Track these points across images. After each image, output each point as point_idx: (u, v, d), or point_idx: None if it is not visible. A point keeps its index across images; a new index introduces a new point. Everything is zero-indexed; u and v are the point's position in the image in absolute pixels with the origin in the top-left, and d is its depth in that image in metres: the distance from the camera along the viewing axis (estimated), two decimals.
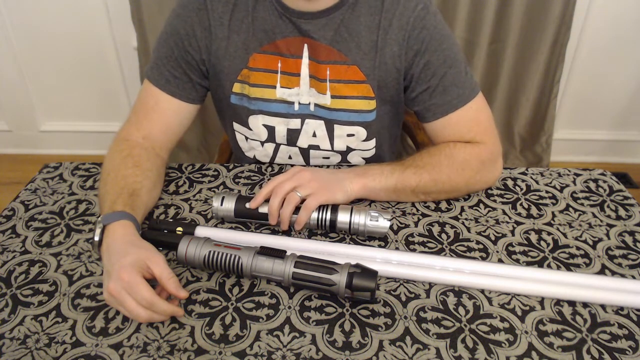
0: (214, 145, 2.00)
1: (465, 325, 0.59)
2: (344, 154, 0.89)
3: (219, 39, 0.81)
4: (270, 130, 0.87)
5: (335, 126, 0.85)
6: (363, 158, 0.91)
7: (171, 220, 0.76)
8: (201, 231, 0.71)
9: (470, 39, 1.74)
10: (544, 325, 0.59)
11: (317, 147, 0.88)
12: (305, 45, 0.80)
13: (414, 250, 0.70)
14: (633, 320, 0.59)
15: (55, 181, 0.85)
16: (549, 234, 0.73)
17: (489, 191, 0.82)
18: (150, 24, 1.71)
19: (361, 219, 0.69)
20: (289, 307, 0.61)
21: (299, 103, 0.84)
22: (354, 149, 0.89)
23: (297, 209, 0.70)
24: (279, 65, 0.82)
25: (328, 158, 0.90)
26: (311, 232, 0.73)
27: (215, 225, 0.74)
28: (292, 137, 0.87)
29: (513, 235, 0.72)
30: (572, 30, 1.71)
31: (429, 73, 0.80)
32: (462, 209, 0.78)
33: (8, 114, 2.10)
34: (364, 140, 0.88)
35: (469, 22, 1.72)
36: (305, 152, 0.89)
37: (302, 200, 0.70)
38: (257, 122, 0.86)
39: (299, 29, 0.79)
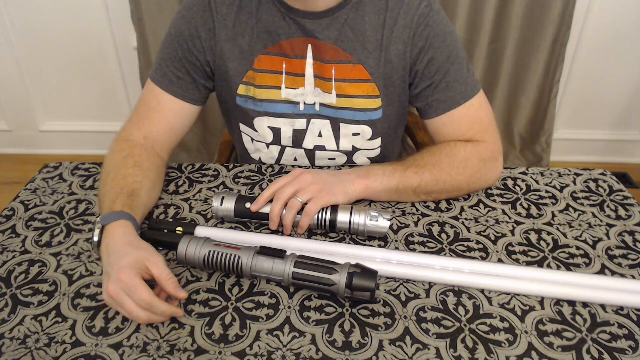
0: (214, 145, 2.00)
1: (465, 325, 0.59)
2: (350, 154, 0.89)
3: (223, 40, 0.81)
4: (276, 132, 0.87)
5: (341, 125, 0.85)
6: (368, 158, 0.91)
7: (171, 220, 0.76)
8: (201, 231, 0.71)
9: (470, 39, 1.75)
10: (544, 325, 0.59)
11: (322, 148, 0.88)
12: (310, 46, 0.80)
13: (414, 250, 0.70)
14: (633, 320, 0.59)
15: (55, 181, 0.85)
16: (549, 234, 0.73)
17: (489, 191, 0.82)
18: (150, 24, 1.71)
19: (361, 219, 0.69)
20: (289, 307, 0.61)
21: (304, 103, 0.84)
22: (360, 149, 0.89)
23: (299, 211, 0.70)
24: (284, 66, 0.82)
25: (334, 159, 0.90)
26: (311, 232, 0.73)
27: (215, 225, 0.74)
28: (298, 138, 0.87)
29: (513, 235, 0.72)
30: (572, 30, 1.71)
31: (433, 69, 0.80)
32: (462, 209, 0.78)
33: (8, 114, 2.10)
34: (369, 140, 0.88)
35: (469, 22, 1.72)
36: (311, 154, 0.89)
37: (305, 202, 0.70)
38: (263, 124, 0.86)
39: (303, 30, 0.79)
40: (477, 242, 0.71)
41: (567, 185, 0.83)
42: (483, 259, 0.68)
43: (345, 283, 0.59)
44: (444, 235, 0.72)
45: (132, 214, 0.67)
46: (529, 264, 0.67)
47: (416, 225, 0.74)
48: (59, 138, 2.16)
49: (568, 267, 0.67)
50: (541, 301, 0.62)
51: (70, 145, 2.17)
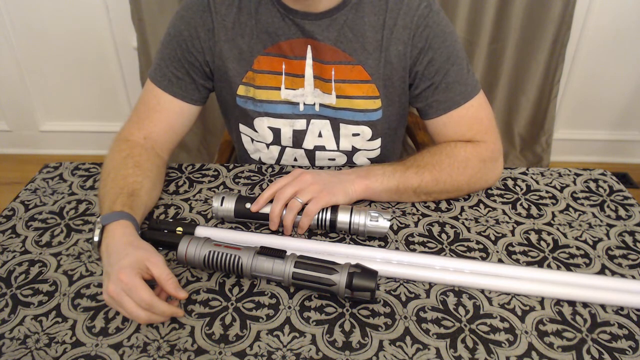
0: (214, 145, 2.00)
1: (465, 325, 0.59)
2: (350, 154, 0.89)
3: (222, 41, 0.81)
4: (276, 132, 0.87)
5: (341, 125, 0.85)
6: (368, 158, 0.91)
7: (171, 220, 0.76)
8: (201, 231, 0.71)
9: (470, 39, 1.75)
10: (544, 325, 0.59)
11: (322, 148, 0.88)
12: (309, 47, 0.80)
13: (414, 250, 0.70)
14: (633, 320, 0.59)
15: (55, 181, 0.85)
16: (549, 234, 0.73)
17: (489, 191, 0.82)
18: (150, 24, 1.72)
19: (361, 219, 0.69)
20: (289, 307, 0.61)
21: (304, 104, 0.84)
22: (360, 149, 0.89)
23: (299, 211, 0.70)
24: (283, 66, 0.82)
25: (334, 160, 0.90)
26: (311, 232, 0.73)
27: (215, 225, 0.74)
28: (298, 138, 0.87)
29: (513, 235, 0.72)
30: (572, 30, 1.71)
31: (433, 70, 0.80)
32: (462, 209, 0.78)
33: (8, 114, 2.10)
34: (369, 140, 0.88)
35: (469, 22, 1.72)
36: (310, 154, 0.89)
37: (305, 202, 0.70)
38: (263, 125, 0.86)
39: (302, 30, 0.79)
40: (477, 242, 0.71)
41: (567, 185, 0.83)
42: (483, 259, 0.68)
43: (345, 283, 0.59)
44: (444, 235, 0.72)
45: (132, 214, 0.67)
46: (529, 264, 0.67)
47: (416, 225, 0.74)
48: (59, 138, 2.16)
49: (568, 267, 0.67)
50: (541, 301, 0.62)
51: (70, 145, 2.17)
